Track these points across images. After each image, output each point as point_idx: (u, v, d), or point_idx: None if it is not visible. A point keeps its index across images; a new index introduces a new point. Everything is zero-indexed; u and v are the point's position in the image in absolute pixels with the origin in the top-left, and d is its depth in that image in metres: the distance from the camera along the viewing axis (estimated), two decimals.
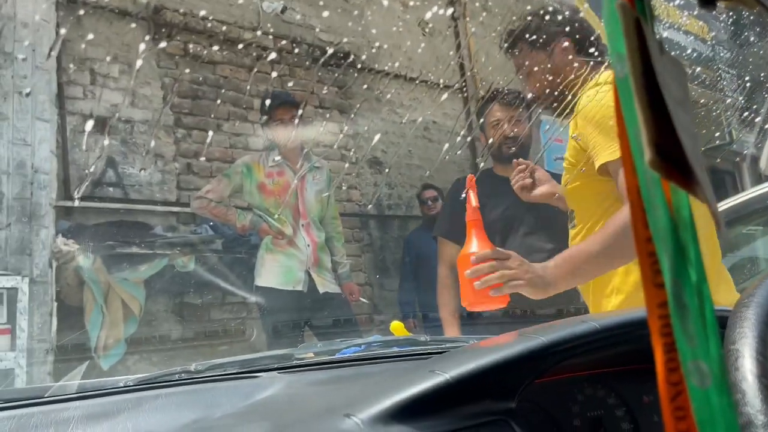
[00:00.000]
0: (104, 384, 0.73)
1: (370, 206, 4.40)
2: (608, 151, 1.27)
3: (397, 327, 1.21)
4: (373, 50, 4.67)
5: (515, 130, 2.25)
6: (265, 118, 2.84)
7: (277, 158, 2.77)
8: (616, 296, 1.37)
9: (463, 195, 1.27)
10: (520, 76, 1.54)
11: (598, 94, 1.32)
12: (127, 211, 3.25)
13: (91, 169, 3.16)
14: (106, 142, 3.32)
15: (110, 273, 2.78)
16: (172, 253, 2.87)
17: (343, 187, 4.19)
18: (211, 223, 3.18)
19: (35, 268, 2.59)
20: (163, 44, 3.60)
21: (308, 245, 2.76)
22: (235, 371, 0.77)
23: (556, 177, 2.45)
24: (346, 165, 4.28)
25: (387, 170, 4.47)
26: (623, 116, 0.27)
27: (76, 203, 3.03)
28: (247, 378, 0.74)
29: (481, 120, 2.42)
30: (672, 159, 0.25)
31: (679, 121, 0.26)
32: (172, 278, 3.02)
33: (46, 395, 0.68)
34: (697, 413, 0.25)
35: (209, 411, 0.65)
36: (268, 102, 2.89)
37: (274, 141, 2.83)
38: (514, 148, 2.25)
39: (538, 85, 1.52)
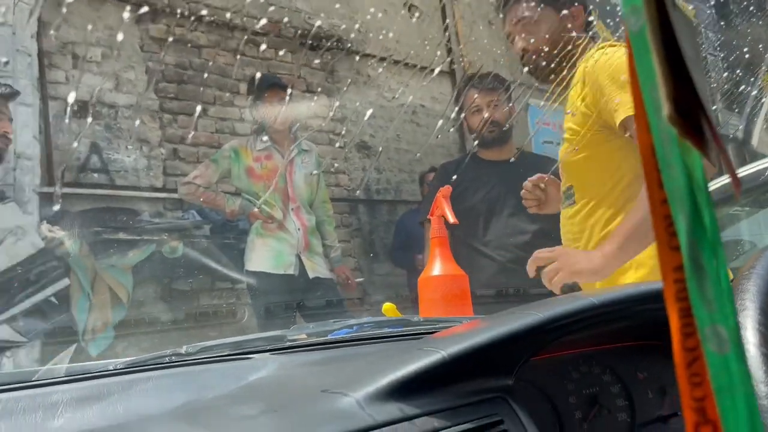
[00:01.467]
0: (93, 367, 0.71)
1: (358, 191, 4.39)
2: (628, 106, 1.22)
3: (389, 308, 1.20)
4: (361, 33, 4.63)
5: (495, 114, 2.25)
6: (252, 100, 2.81)
7: (265, 141, 2.75)
8: (636, 270, 1.32)
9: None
10: (512, 37, 1.49)
11: (604, 55, 1.28)
12: (113, 197, 3.21)
13: (76, 155, 3.12)
14: (90, 127, 3.26)
15: (97, 259, 2.75)
16: (159, 239, 2.84)
17: (332, 172, 4.17)
18: (199, 209, 3.15)
19: None
20: (148, 29, 3.53)
21: (298, 229, 2.74)
22: (227, 353, 0.76)
23: (547, 160, 2.45)
24: (336, 148, 4.26)
25: (378, 154, 4.45)
26: (636, 72, 0.26)
27: (60, 189, 2.98)
28: (239, 360, 0.73)
29: (461, 106, 2.41)
30: (689, 117, 0.24)
31: (696, 78, 0.25)
32: (160, 264, 2.99)
33: (33, 379, 0.67)
34: (715, 379, 0.24)
35: (201, 393, 0.63)
36: (256, 84, 2.85)
37: (262, 124, 2.80)
38: (495, 132, 2.25)
39: (528, 46, 1.47)
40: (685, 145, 0.25)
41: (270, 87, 2.78)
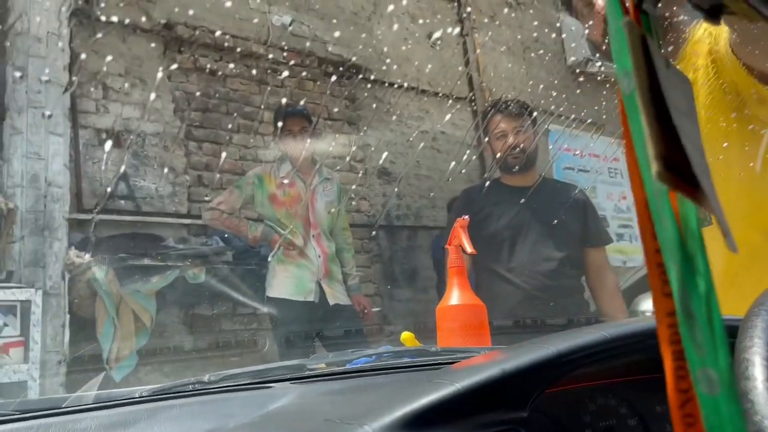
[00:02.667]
0: (120, 395, 0.74)
1: (379, 217, 4.42)
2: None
3: (407, 338, 1.21)
4: (383, 64, 4.70)
5: (520, 140, 2.26)
6: (277, 128, 2.87)
7: (289, 168, 2.79)
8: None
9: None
10: (584, 22, 1.30)
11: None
12: (139, 223, 3.28)
13: (108, 185, 3.20)
14: (120, 155, 3.35)
15: (122, 285, 2.80)
16: (183, 264, 2.89)
17: (352, 198, 4.21)
18: (222, 235, 3.20)
19: (48, 281, 2.62)
20: (175, 60, 3.64)
21: (319, 256, 2.77)
22: (247, 382, 0.78)
23: (567, 186, 2.45)
24: (357, 175, 4.30)
25: (398, 181, 4.49)
26: (630, 131, 0.28)
27: (93, 217, 3.06)
28: (260, 389, 0.75)
29: (485, 131, 2.42)
30: (679, 170, 0.26)
31: (685, 133, 0.27)
32: (184, 290, 3.04)
33: (62, 406, 0.69)
34: (707, 420, 0.25)
35: (223, 421, 0.65)
36: (281, 113, 2.91)
37: (286, 152, 2.85)
38: (520, 159, 2.26)
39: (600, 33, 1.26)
40: (679, 196, 0.27)
41: (294, 116, 2.83)
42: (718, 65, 1.10)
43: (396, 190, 4.58)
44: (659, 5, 0.30)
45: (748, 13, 0.33)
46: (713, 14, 0.33)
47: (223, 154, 3.78)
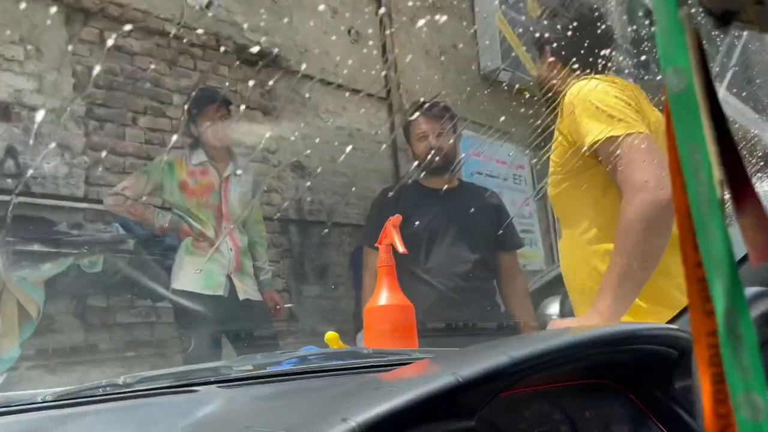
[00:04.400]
0: (17, 398, 0.65)
1: (291, 211, 4.33)
2: (596, 132, 1.27)
3: (332, 338, 1.17)
4: (302, 56, 4.61)
5: (441, 143, 2.28)
6: (190, 113, 2.73)
7: (201, 156, 2.67)
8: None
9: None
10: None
11: (583, 89, 1.34)
12: (28, 205, 3.01)
13: None
14: (8, 130, 3.06)
15: (7, 272, 2.55)
16: (79, 252, 2.67)
17: (265, 191, 4.09)
18: (123, 222, 3.00)
19: None
20: (78, 32, 3.38)
21: (231, 249, 2.66)
22: (168, 384, 0.71)
23: (482, 190, 2.50)
24: (269, 166, 4.19)
25: (313, 175, 4.42)
26: (675, 132, 0.26)
27: None
28: (183, 392, 0.69)
29: (406, 132, 2.44)
30: (735, 178, 0.24)
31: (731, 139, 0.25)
32: (77, 279, 2.82)
33: None
34: None
35: (144, 430, 0.59)
36: (196, 97, 2.77)
37: (199, 139, 2.71)
38: (440, 161, 2.28)
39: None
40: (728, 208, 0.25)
41: (213, 101, 2.71)
42: None
43: (308, 184, 4.51)
44: None
45: (760, 22, 0.32)
46: (724, 21, 0.32)
47: (127, 136, 3.56)
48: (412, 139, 2.32)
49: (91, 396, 0.68)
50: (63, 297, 2.97)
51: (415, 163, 2.32)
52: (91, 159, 3.37)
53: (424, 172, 2.35)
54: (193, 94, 2.90)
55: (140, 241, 2.88)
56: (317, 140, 4.60)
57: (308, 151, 4.53)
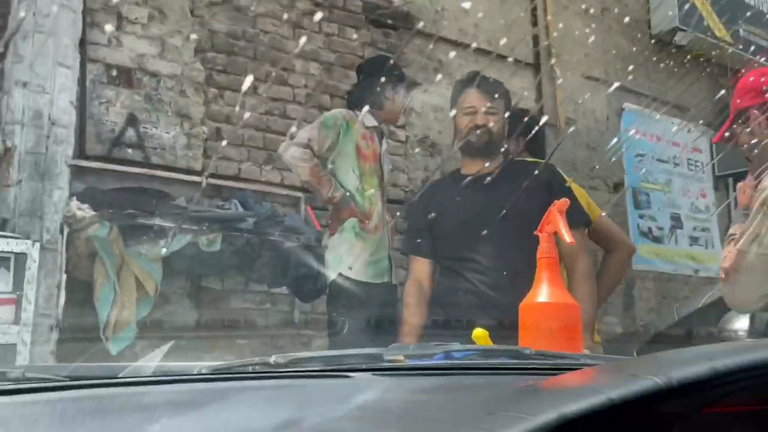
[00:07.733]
0: (178, 369, 0.74)
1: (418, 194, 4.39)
2: None
3: (480, 335, 1.20)
4: (436, 12, 4.64)
5: (489, 120, 2.25)
6: (364, 78, 2.95)
7: (372, 122, 2.82)
8: None
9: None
10: None
11: None
12: (146, 176, 3.29)
13: (115, 130, 3.22)
14: (131, 97, 3.36)
15: (126, 246, 2.82)
16: (199, 228, 2.89)
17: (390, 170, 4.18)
18: (242, 199, 3.21)
19: (45, 233, 2.65)
20: None
21: (387, 230, 2.84)
22: (322, 368, 0.78)
23: (537, 167, 2.41)
24: (395, 142, 4.27)
25: (443, 154, 4.45)
26: None
27: (94, 164, 3.08)
28: (337, 377, 0.74)
29: (453, 104, 2.42)
30: None
31: None
32: (193, 258, 3.05)
33: (121, 376, 0.70)
34: None
35: (303, 411, 0.65)
36: (371, 63, 2.99)
37: (375, 102, 2.82)
38: (485, 140, 2.25)
39: None
40: None
41: (385, 67, 2.87)
42: None
43: (439, 163, 4.54)
44: None
45: None
46: None
47: (247, 106, 3.78)
48: (458, 112, 2.30)
49: (245, 373, 0.75)
50: (178, 276, 3.23)
51: (458, 141, 2.32)
52: (210, 129, 3.62)
53: (466, 155, 2.34)
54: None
55: (260, 220, 3.06)
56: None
57: (440, 127, 4.57)
